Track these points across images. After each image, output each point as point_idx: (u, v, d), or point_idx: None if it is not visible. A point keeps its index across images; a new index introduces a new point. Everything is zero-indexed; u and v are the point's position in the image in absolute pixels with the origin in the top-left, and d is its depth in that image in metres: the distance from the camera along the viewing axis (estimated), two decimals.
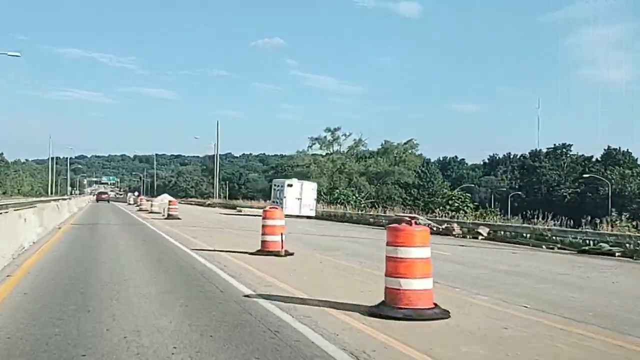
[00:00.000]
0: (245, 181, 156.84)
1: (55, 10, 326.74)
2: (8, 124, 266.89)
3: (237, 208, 51.29)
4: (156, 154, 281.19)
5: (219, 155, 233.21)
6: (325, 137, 78.97)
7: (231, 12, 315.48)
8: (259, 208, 51.10)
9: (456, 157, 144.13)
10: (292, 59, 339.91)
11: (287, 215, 37.50)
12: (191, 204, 73.95)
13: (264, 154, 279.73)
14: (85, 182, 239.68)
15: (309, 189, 38.69)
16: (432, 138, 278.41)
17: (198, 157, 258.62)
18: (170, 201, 30.48)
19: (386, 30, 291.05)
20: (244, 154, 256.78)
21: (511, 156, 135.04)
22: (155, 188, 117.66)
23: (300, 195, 37.66)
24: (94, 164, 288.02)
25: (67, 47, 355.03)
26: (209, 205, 65.91)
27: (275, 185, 42.15)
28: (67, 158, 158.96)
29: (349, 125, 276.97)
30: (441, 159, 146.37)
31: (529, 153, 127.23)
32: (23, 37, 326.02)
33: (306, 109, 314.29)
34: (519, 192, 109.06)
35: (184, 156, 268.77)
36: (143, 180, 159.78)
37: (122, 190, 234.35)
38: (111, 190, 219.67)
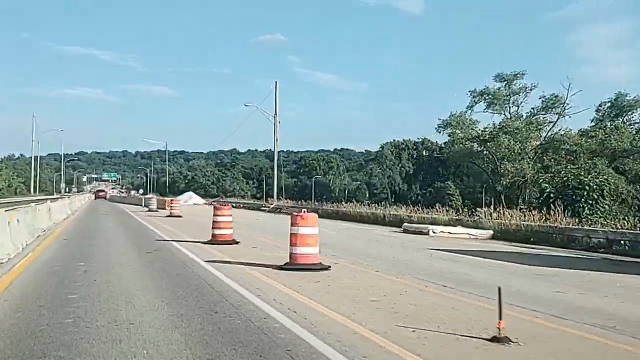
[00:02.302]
0: (267, 177, 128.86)
1: (57, 9, 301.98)
2: (8, 122, 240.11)
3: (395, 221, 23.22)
4: (159, 150, 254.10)
5: (226, 151, 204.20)
6: (499, 90, 45.01)
7: (232, 10, 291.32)
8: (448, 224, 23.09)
9: None
10: (294, 56, 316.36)
11: None
12: (240, 207, 46.41)
13: (270, 150, 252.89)
14: (85, 179, 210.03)
15: None
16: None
17: (202, 153, 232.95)
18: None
19: (388, 28, 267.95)
20: (249, 150, 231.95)
21: None
22: (167, 185, 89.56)
23: None
24: (94, 161, 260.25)
25: (69, 45, 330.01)
26: (277, 210, 38.12)
27: None
28: (62, 155, 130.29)
29: (351, 124, 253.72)
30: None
31: None
32: (26, 35, 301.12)
33: (308, 106, 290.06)
34: None
35: (188, 152, 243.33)
36: (149, 177, 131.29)
37: (124, 187, 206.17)
38: (113, 188, 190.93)
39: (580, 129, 43.90)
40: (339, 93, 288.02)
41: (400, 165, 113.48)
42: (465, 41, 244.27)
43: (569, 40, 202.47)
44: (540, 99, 45.51)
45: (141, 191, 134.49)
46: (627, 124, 42.22)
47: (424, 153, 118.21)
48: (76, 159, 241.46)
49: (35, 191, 67.76)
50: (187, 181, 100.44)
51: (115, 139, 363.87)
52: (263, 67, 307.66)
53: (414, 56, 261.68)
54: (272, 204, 41.91)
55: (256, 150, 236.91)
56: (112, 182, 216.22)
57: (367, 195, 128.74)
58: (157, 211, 32.63)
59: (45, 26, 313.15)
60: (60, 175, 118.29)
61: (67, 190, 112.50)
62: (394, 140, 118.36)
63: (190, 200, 56.46)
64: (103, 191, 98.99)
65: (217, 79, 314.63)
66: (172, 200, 26.94)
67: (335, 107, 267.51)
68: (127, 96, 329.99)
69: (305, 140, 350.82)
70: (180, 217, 25.95)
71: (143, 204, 42.21)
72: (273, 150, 46.10)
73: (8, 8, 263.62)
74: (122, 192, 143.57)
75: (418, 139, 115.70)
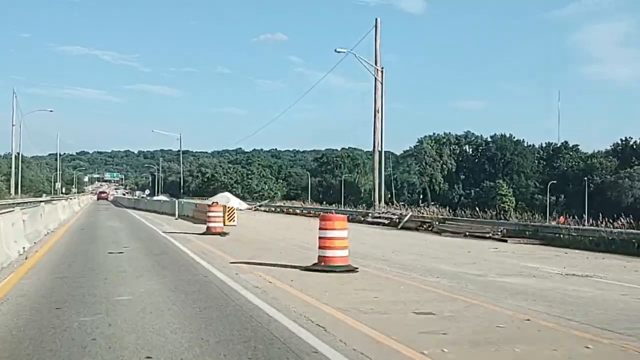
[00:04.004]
0: (287, 176, 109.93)
1: (58, 9, 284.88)
2: (8, 122, 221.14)
3: None
4: (162, 149, 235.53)
5: (230, 150, 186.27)
6: None
7: (232, 9, 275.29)
8: None
9: (566, 142, 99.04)
10: (295, 56, 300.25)
11: None
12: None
13: (276, 149, 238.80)
14: (86, 179, 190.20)
15: None
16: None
17: (206, 152, 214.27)
18: None
19: (391, 27, 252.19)
20: (254, 149, 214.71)
21: None
22: (181, 185, 70.99)
23: None
24: (96, 160, 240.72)
25: (70, 45, 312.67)
26: (425, 226, 19.75)
27: None
28: (57, 150, 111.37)
29: (353, 124, 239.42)
30: (544, 144, 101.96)
31: None
32: (26, 35, 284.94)
33: (309, 105, 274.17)
34: None
35: (192, 151, 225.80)
36: (157, 176, 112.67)
37: (127, 188, 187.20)
38: (116, 188, 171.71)
39: None
40: (340, 93, 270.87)
41: (442, 162, 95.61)
42: (466, 40, 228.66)
43: (571, 38, 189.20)
44: None
45: (147, 191, 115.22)
46: None
47: (467, 148, 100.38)
48: (76, 157, 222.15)
49: (17, 191, 48.95)
50: (204, 179, 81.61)
51: (117, 139, 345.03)
52: (264, 67, 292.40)
53: (414, 56, 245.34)
54: (387, 213, 23.61)
55: (261, 150, 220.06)
56: (114, 182, 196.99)
57: (389, 196, 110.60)
58: (226, 233, 14.42)
59: (46, 26, 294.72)
60: (58, 174, 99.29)
61: (65, 191, 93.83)
62: (434, 134, 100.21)
63: (227, 203, 38.18)
64: (105, 192, 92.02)
65: (218, 79, 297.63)
66: (324, 217, 8.30)
67: (336, 106, 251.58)
68: (129, 96, 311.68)
69: (306, 140, 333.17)
70: (353, 270, 7.85)
71: (176, 213, 23.83)
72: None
73: (8, 8, 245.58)
74: (127, 193, 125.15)
75: (461, 132, 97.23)
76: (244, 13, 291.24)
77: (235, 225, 18.74)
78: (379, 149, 28.41)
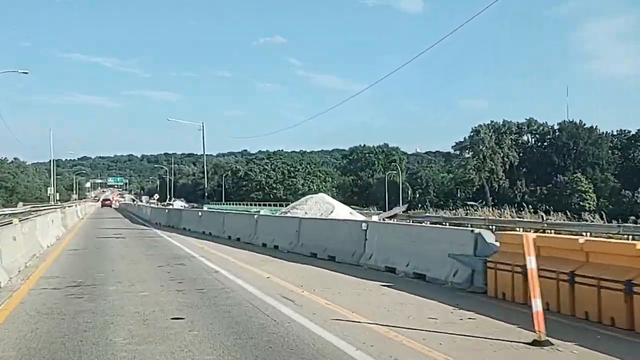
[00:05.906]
0: (313, 174, 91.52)
1: (57, 16, 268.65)
2: (13, 128, 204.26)
3: None
4: (166, 153, 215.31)
5: (236, 152, 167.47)
6: None
7: (231, 12, 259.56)
8: None
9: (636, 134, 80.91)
10: (294, 59, 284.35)
11: None
12: None
13: (282, 150, 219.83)
14: (88, 184, 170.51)
15: None
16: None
17: (212, 155, 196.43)
18: None
19: (388, 28, 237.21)
20: (260, 151, 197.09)
21: None
22: (205, 185, 52.67)
23: None
24: (98, 165, 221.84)
25: (71, 53, 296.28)
26: None
27: None
28: (51, 149, 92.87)
29: (358, 123, 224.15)
30: (616, 132, 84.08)
31: None
32: (27, 44, 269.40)
33: (312, 108, 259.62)
34: None
35: (196, 154, 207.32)
36: (168, 179, 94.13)
37: (132, 193, 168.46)
38: (119, 194, 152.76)
39: None
40: (341, 94, 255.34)
41: (502, 154, 77.48)
42: (465, 39, 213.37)
43: (572, 36, 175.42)
44: None
45: (156, 196, 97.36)
46: None
47: (528, 138, 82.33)
48: (77, 163, 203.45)
49: None
50: (235, 179, 62.98)
51: (120, 144, 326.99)
52: (264, 69, 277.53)
53: (414, 55, 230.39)
54: None
55: (266, 151, 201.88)
56: (117, 187, 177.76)
57: (417, 195, 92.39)
58: None
59: (47, 34, 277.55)
60: (52, 178, 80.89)
61: (60, 197, 75.26)
62: (492, 122, 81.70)
63: (331, 214, 20.09)
64: (109, 199, 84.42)
65: (219, 82, 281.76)
66: None
67: (337, 108, 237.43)
68: (130, 102, 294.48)
69: (307, 142, 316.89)
70: None
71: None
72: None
73: (9, 16, 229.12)
74: (135, 199, 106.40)
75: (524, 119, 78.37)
76: (244, 13, 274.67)
77: None
78: None
